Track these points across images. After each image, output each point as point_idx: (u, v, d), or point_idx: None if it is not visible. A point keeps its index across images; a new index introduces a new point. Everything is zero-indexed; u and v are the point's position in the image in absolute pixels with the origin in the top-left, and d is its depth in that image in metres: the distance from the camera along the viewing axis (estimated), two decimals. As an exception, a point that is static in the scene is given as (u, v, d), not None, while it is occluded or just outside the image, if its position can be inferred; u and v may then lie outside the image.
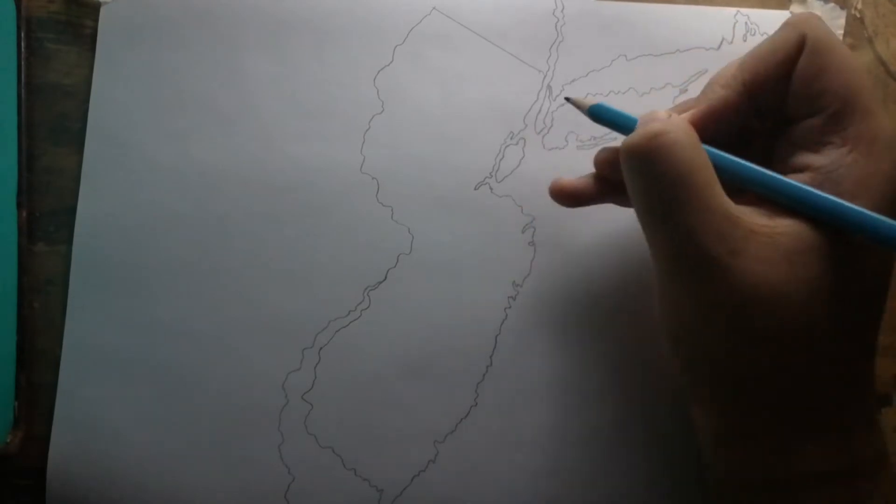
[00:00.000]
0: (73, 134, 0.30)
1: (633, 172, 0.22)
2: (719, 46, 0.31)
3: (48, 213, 0.30)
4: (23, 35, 0.30)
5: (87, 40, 0.31)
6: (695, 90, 0.31)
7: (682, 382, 0.24)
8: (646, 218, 0.23)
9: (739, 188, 0.23)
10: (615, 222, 0.30)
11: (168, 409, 0.29)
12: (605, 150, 0.26)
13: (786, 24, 0.23)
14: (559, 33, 0.31)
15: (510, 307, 0.30)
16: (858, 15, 0.32)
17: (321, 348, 0.29)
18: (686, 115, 0.24)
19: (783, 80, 0.23)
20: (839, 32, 0.32)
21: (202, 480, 0.29)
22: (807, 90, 0.22)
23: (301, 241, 0.30)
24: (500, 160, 0.31)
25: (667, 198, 0.21)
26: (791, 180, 0.22)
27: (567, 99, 0.27)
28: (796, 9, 0.32)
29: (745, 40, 0.31)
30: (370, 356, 0.29)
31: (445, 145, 0.31)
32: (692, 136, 0.22)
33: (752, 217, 0.21)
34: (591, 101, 0.26)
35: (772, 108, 0.24)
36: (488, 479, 0.29)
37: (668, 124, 0.22)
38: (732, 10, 0.32)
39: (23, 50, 0.30)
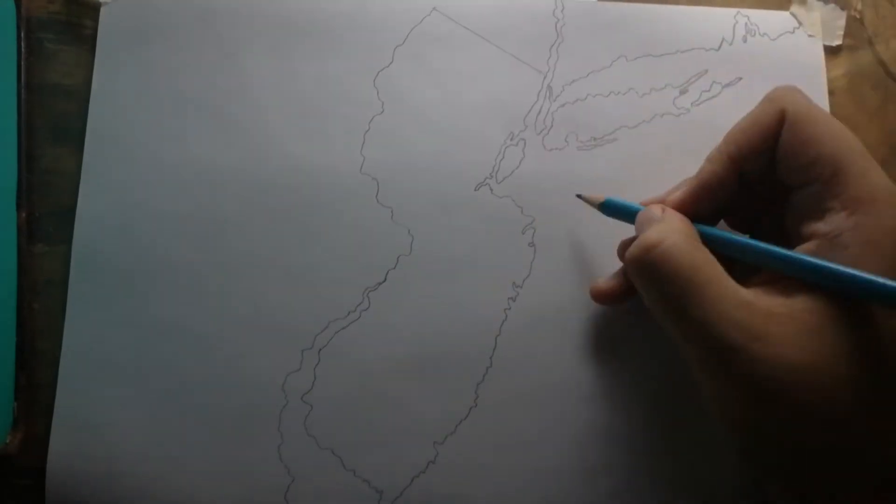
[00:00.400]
0: (73, 134, 0.30)
1: (639, 282, 0.24)
2: (719, 47, 0.31)
3: (48, 214, 0.30)
4: (23, 35, 0.30)
5: (87, 40, 0.31)
6: (695, 91, 0.31)
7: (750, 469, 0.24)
8: (662, 320, 0.23)
9: (751, 268, 0.23)
10: (614, 224, 0.30)
11: (168, 409, 0.29)
12: (623, 243, 0.28)
13: (765, 99, 0.25)
14: (559, 34, 0.31)
15: (510, 308, 0.30)
16: (858, 16, 0.32)
17: (321, 349, 0.29)
18: (677, 196, 0.25)
19: (766, 152, 0.24)
20: (839, 33, 0.32)
21: (202, 481, 0.29)
22: (796, 160, 0.23)
23: (301, 242, 0.30)
24: (501, 161, 0.31)
25: (677, 300, 0.22)
26: (797, 253, 0.22)
27: (578, 196, 0.29)
28: (796, 9, 0.32)
29: (745, 41, 0.31)
30: (370, 357, 0.29)
31: (445, 146, 0.31)
32: (688, 235, 0.23)
33: (768, 299, 0.21)
34: (600, 197, 0.28)
35: (760, 178, 0.25)
36: (488, 480, 0.29)
37: (662, 231, 0.23)
38: (732, 10, 0.32)
39: (23, 50, 0.30)
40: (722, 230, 0.25)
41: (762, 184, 0.25)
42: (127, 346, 0.29)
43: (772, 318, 0.21)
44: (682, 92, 0.31)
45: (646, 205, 0.26)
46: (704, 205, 0.25)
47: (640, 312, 0.30)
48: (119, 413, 0.29)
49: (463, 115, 0.31)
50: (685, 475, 0.29)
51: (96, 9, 0.31)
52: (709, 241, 0.24)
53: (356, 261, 0.30)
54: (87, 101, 0.31)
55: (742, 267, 0.24)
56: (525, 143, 0.31)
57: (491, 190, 0.30)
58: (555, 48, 0.31)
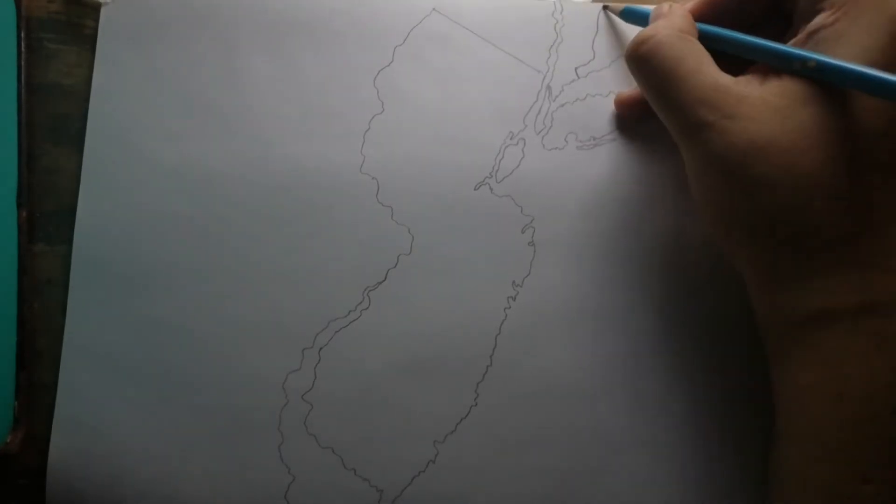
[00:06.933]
0: (73, 134, 0.30)
1: (634, 74, 0.26)
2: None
3: (48, 213, 0.30)
4: (23, 35, 0.30)
5: (87, 40, 0.31)
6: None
7: (717, 242, 0.26)
8: (656, 107, 0.26)
9: (744, 61, 0.25)
10: (615, 222, 0.30)
11: (168, 409, 0.29)
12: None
13: None
14: (558, 34, 0.31)
15: (510, 307, 0.30)
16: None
17: (321, 348, 0.29)
18: (688, 6, 0.27)
19: None
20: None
21: (202, 480, 0.29)
22: None
23: (301, 241, 0.30)
24: (500, 160, 0.31)
25: (662, 87, 0.24)
26: (762, 39, 0.24)
27: (605, 7, 0.31)
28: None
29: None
30: (370, 356, 0.29)
31: (445, 145, 0.31)
32: (680, 29, 0.25)
33: (745, 84, 0.23)
34: (620, 5, 0.30)
35: None
36: (488, 479, 0.29)
37: (654, 27, 0.25)
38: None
39: (23, 50, 0.30)
40: (717, 27, 0.26)
41: None
42: (127, 346, 0.29)
43: (744, 100, 0.23)
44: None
45: None
46: (715, 13, 0.27)
47: (642, 310, 0.30)
48: (119, 412, 0.29)
49: (463, 114, 0.31)
50: (685, 475, 0.29)
51: (96, 9, 0.31)
52: (707, 40, 0.25)
53: (356, 260, 0.30)
54: (87, 101, 0.31)
55: (741, 62, 0.25)
56: (525, 143, 0.31)
57: (491, 189, 0.30)
58: (554, 48, 0.31)
